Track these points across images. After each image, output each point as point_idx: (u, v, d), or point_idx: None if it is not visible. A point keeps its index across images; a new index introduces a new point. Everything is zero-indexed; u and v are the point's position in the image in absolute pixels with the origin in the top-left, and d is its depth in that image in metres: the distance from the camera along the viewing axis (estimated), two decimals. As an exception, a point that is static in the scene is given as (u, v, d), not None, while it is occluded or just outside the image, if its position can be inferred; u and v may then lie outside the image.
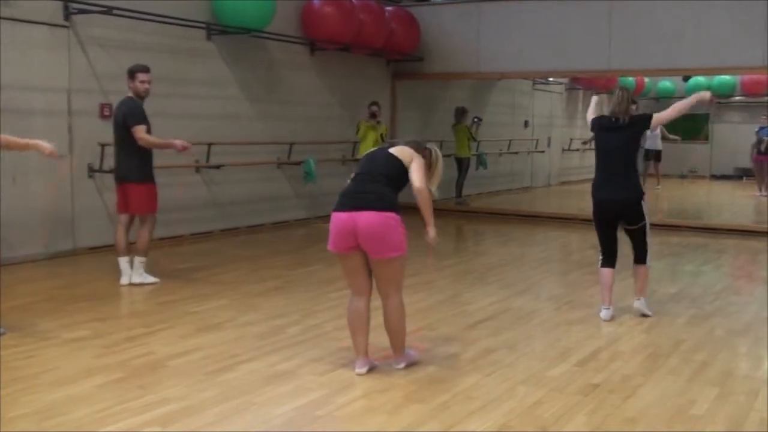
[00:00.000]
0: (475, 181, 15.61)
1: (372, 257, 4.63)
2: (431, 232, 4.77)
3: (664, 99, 22.54)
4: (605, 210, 6.21)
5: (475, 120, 14.94)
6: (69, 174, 8.39)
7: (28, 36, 8.02)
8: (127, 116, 7.03)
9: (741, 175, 20.63)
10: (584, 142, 19.45)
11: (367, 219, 4.54)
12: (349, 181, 4.85)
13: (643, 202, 6.16)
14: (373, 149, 5.07)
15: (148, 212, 7.23)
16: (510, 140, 17.96)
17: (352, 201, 4.63)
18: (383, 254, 4.60)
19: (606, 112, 6.32)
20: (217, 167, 10.00)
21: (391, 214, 4.59)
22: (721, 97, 22.72)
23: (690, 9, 11.33)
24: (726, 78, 20.79)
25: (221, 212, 10.30)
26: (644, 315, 6.26)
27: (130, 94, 7.18)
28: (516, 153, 18.28)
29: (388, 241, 4.57)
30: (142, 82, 7.13)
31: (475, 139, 14.94)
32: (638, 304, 6.31)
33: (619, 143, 6.15)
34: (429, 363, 5.00)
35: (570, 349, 5.40)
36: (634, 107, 6.34)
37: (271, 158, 11.19)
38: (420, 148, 4.89)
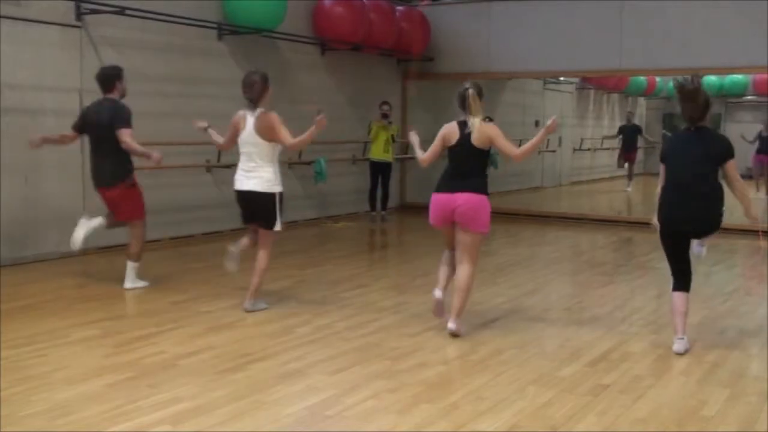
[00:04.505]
0: (486, 181, 15.58)
1: (462, 228, 5.59)
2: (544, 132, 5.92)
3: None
4: (674, 232, 5.42)
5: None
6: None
7: (40, 36, 8.05)
8: (116, 118, 6.67)
9: (752, 175, 20.47)
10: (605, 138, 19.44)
11: (467, 198, 5.57)
12: (445, 171, 5.75)
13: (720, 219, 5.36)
14: (457, 140, 5.76)
15: (137, 218, 6.99)
16: (520, 140, 17.78)
17: (453, 185, 5.62)
18: (472, 228, 5.59)
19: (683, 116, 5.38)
20: (228, 167, 10.00)
21: (485, 197, 5.65)
22: (733, 96, 22.64)
23: (701, 8, 11.30)
24: (738, 77, 20.70)
25: (232, 212, 10.28)
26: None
27: (113, 96, 6.81)
28: (526, 153, 18.24)
29: (480, 218, 5.61)
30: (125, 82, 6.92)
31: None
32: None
33: (694, 157, 5.30)
34: (439, 363, 5.01)
35: (580, 349, 5.40)
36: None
37: (281, 158, 11.17)
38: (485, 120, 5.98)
